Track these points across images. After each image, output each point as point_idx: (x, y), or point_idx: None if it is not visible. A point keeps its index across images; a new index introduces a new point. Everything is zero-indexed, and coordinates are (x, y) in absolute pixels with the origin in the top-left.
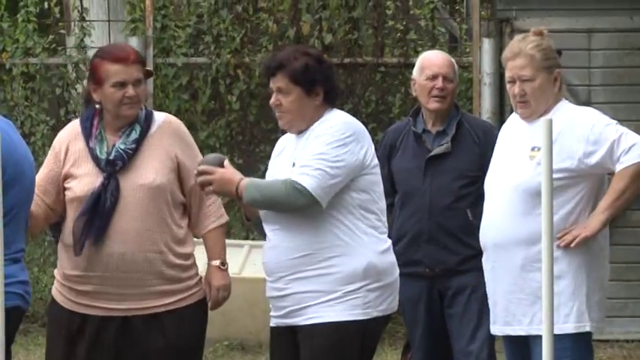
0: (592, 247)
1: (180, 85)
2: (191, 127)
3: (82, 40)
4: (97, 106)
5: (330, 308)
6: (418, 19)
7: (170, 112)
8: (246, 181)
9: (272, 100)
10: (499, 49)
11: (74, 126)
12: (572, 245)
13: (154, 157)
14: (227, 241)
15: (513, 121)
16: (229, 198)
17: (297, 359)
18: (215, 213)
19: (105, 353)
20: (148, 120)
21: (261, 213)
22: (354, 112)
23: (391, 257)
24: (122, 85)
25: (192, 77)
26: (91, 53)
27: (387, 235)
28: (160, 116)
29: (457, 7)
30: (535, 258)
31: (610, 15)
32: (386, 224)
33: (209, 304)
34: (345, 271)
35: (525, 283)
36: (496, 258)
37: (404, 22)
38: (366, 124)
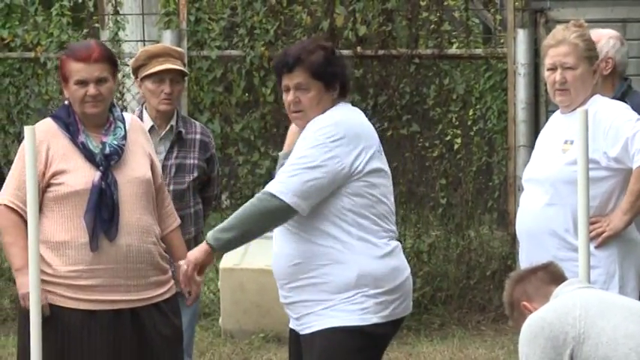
0: (624, 235)
1: (215, 77)
2: (226, 119)
3: (116, 34)
4: (66, 102)
5: (325, 315)
6: (452, 11)
7: (205, 105)
8: (210, 233)
9: (290, 98)
10: (533, 39)
11: (48, 125)
12: (596, 244)
13: (137, 153)
14: None
15: (554, 117)
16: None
17: None
18: (174, 213)
19: (119, 346)
20: (124, 118)
21: None
22: (389, 104)
23: (394, 262)
24: (83, 83)
25: (226, 70)
26: (125, 47)
27: (390, 238)
28: (126, 115)
29: None
30: (566, 247)
31: None
32: (390, 227)
33: (189, 300)
34: (337, 280)
35: None
36: (529, 247)
37: (438, 14)
38: (400, 116)
